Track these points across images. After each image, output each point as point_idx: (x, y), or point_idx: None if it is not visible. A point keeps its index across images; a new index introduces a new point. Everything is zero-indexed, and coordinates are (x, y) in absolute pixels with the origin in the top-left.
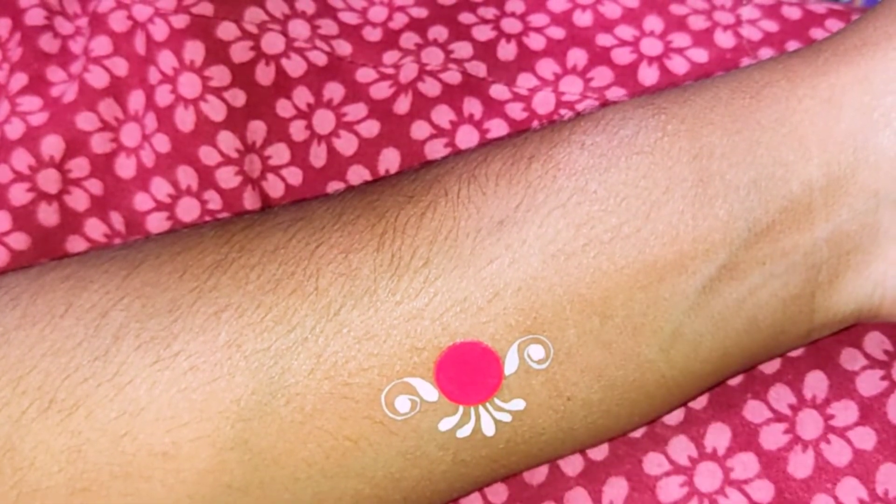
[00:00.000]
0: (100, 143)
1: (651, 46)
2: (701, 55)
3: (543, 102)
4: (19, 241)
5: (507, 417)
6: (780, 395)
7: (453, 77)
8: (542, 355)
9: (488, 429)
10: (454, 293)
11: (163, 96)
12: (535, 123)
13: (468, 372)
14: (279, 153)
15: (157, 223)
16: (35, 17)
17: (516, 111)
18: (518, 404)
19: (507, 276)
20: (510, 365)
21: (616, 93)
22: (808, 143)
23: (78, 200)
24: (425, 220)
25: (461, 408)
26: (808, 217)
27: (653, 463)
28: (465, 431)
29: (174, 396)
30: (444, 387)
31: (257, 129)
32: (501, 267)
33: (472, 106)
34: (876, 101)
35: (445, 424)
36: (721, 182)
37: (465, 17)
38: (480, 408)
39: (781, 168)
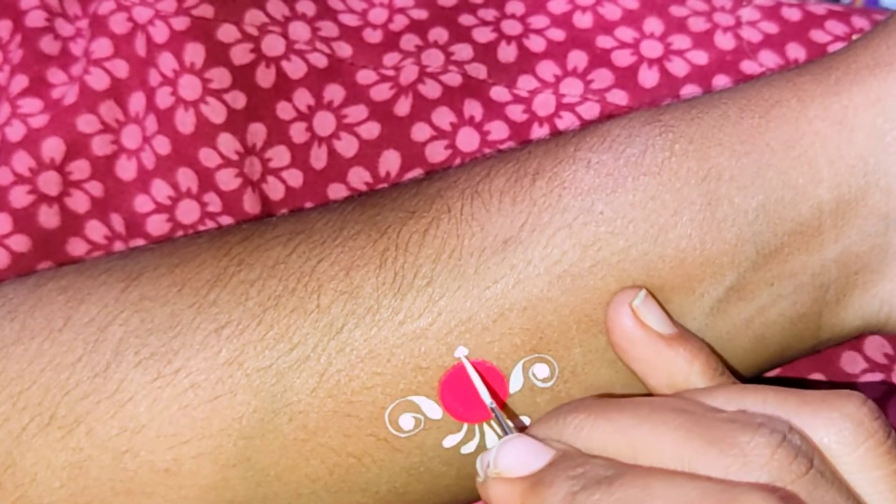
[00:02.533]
0: (100, 145)
1: (651, 48)
2: (701, 57)
3: (544, 104)
4: (20, 243)
5: None
6: None
7: (454, 79)
8: (547, 374)
9: (493, 445)
10: (458, 313)
11: (163, 98)
12: (536, 125)
13: (473, 390)
14: (279, 155)
15: (157, 225)
16: (36, 19)
17: (517, 113)
18: (523, 422)
19: (512, 297)
20: (515, 383)
21: (616, 95)
22: (818, 165)
23: (78, 202)
24: (428, 238)
25: (465, 425)
26: (817, 239)
27: None
28: (469, 448)
29: (175, 413)
30: (449, 405)
31: (257, 132)
32: (506, 287)
33: (473, 108)
34: (889, 123)
35: (450, 441)
36: (729, 206)
37: (466, 19)
38: (485, 425)
39: (791, 191)
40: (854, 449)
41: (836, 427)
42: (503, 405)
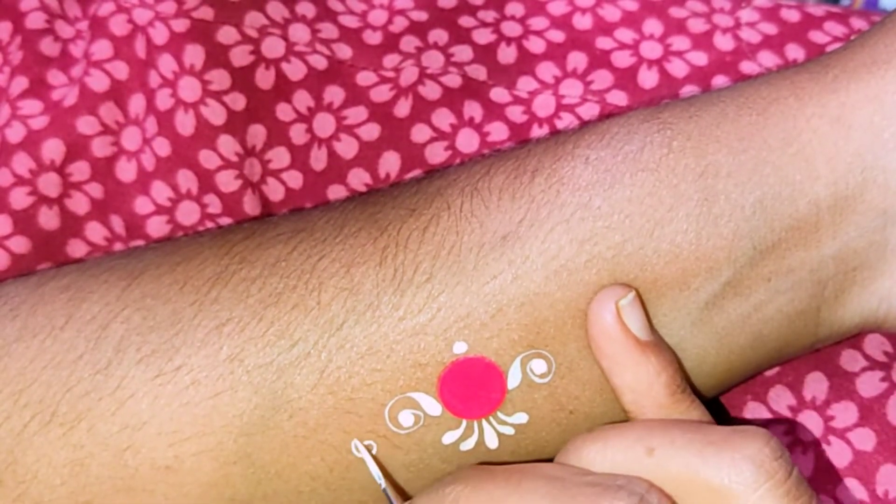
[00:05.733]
0: (100, 147)
1: (651, 49)
2: (700, 58)
3: (544, 105)
4: (20, 244)
5: (510, 431)
6: (780, 397)
7: (453, 80)
8: (544, 369)
9: (491, 442)
10: (457, 309)
11: (163, 100)
12: (536, 126)
13: (471, 387)
14: (279, 157)
15: (157, 227)
16: (36, 21)
17: (516, 114)
18: (521, 418)
19: (510, 292)
20: (513, 379)
21: (616, 96)
22: (815, 162)
23: (78, 204)
24: (428, 235)
25: (464, 422)
26: (814, 235)
27: None
28: (468, 444)
29: (176, 410)
30: (448, 401)
31: (257, 133)
32: (504, 283)
33: (473, 109)
34: (886, 121)
35: (449, 438)
36: (726, 201)
37: (465, 21)
38: (484, 421)
39: (788, 188)
40: (754, 490)
41: (736, 468)
42: (501, 402)
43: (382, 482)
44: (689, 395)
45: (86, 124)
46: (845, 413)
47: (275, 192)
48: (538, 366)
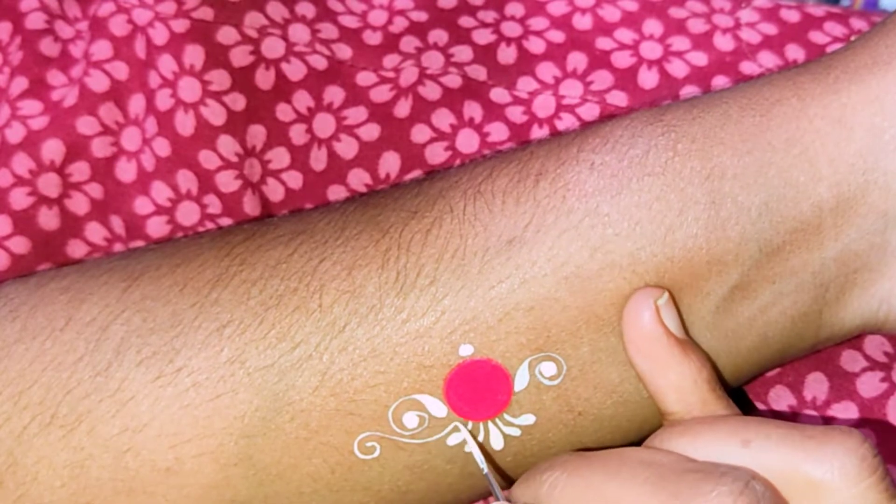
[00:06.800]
0: (100, 147)
1: (651, 50)
2: (700, 58)
3: (544, 106)
4: (20, 245)
5: (516, 432)
6: (781, 397)
7: (453, 81)
8: (553, 372)
9: (497, 443)
10: (462, 312)
11: (163, 100)
12: (536, 127)
13: (477, 389)
14: (279, 157)
15: (157, 227)
16: (36, 21)
17: (516, 115)
18: (528, 419)
19: (517, 296)
20: (520, 381)
21: (616, 96)
22: (818, 164)
23: (78, 204)
24: (431, 237)
25: (470, 423)
26: (817, 237)
27: None
28: (473, 445)
29: (177, 412)
30: (453, 403)
31: (257, 134)
32: (511, 287)
33: (473, 109)
34: (887, 122)
35: (454, 439)
36: (733, 204)
37: (465, 21)
38: (489, 422)
39: (792, 189)
40: (856, 483)
41: (840, 461)
42: (507, 404)
43: (485, 467)
44: (724, 393)
45: (86, 124)
46: (845, 413)
47: (275, 192)
48: (547, 368)
